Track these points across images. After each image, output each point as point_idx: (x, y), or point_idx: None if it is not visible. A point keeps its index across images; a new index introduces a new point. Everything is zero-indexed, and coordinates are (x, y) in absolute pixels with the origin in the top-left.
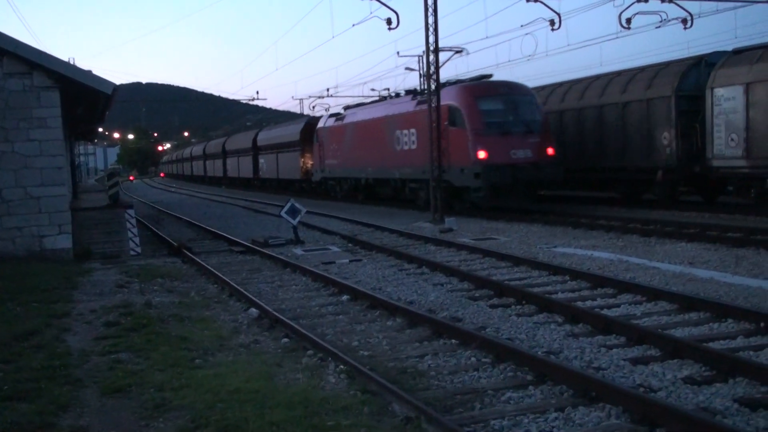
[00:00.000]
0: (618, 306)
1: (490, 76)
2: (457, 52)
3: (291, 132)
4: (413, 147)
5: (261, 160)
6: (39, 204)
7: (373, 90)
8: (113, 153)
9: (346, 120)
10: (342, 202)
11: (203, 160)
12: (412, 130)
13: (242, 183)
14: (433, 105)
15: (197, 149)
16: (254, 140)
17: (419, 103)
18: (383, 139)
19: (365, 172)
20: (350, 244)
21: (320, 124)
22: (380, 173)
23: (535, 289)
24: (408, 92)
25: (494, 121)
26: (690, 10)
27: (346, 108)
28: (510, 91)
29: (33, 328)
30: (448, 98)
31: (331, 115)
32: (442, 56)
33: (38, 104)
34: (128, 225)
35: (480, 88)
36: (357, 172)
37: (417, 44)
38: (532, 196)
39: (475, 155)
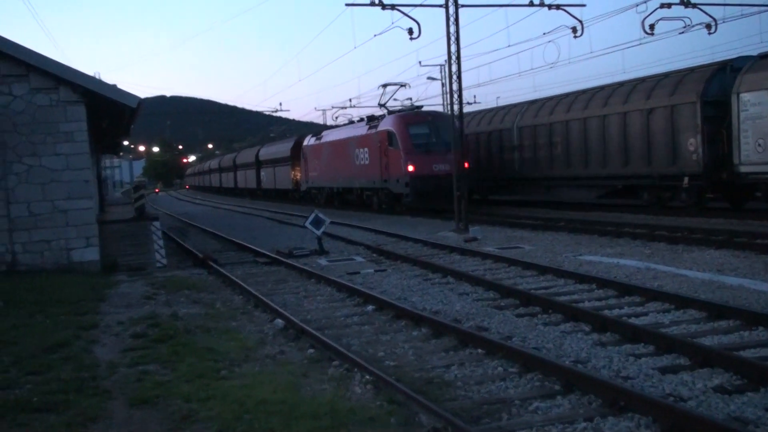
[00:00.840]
0: (646, 314)
1: (421, 107)
2: (401, 86)
3: (284, 149)
4: (366, 163)
5: (262, 173)
6: (66, 217)
7: (395, 100)
8: (139, 166)
9: (323, 140)
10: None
11: (219, 173)
12: (366, 149)
13: (248, 193)
14: (456, 111)
15: (214, 163)
16: (257, 155)
17: (370, 127)
18: (348, 157)
19: (337, 183)
20: (375, 254)
21: (305, 143)
22: (346, 183)
23: (562, 298)
24: (363, 119)
25: (420, 143)
26: (714, 15)
27: (324, 131)
28: (434, 118)
29: (62, 340)
30: (386, 125)
31: (313, 136)
32: (390, 89)
33: (65, 118)
34: (154, 237)
35: (410, 116)
36: (331, 182)
37: (439, 53)
38: (451, 201)
39: (406, 169)
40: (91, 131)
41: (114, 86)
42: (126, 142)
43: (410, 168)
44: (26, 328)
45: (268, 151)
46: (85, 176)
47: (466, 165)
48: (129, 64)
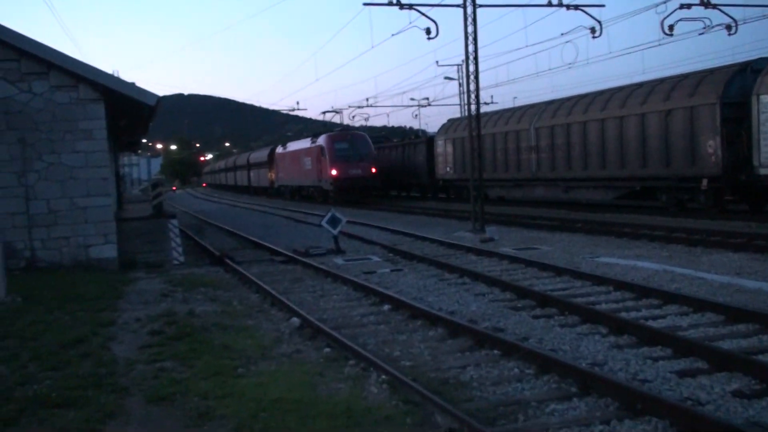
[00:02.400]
0: (663, 317)
1: (348, 128)
2: (336, 112)
3: (263, 155)
4: (310, 168)
5: (251, 173)
6: (85, 214)
7: (412, 99)
8: (156, 163)
9: (287, 150)
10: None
11: (225, 172)
12: (309, 158)
13: (242, 190)
14: (473, 111)
15: (221, 163)
16: (248, 159)
17: (312, 142)
18: (300, 163)
19: (294, 182)
20: (391, 254)
21: (277, 151)
22: (300, 183)
23: (578, 300)
24: (309, 135)
25: (342, 155)
26: (734, 16)
27: (288, 142)
28: (353, 137)
29: (80, 336)
30: (320, 142)
31: (281, 146)
32: (347, 113)
33: (84, 116)
34: (171, 235)
35: (336, 135)
36: (291, 182)
37: (456, 53)
38: (364, 195)
39: (330, 173)
40: (110, 129)
41: (133, 84)
42: (144, 140)
43: (334, 172)
44: (45, 324)
45: (254, 156)
46: (104, 174)
47: (374, 170)
48: (147, 62)
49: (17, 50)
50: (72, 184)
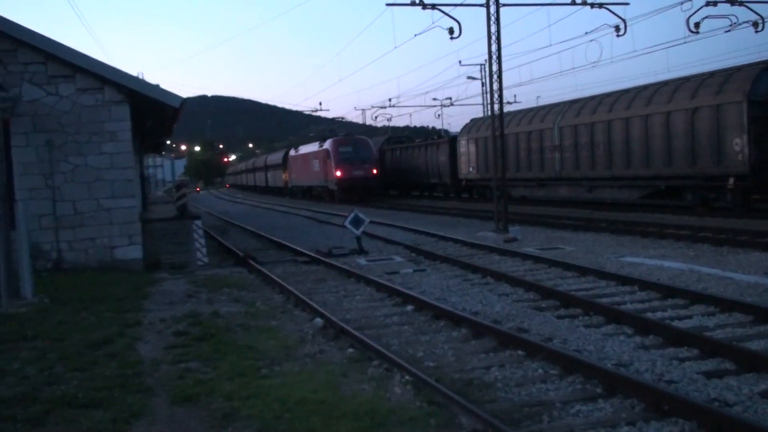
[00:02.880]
0: (690, 317)
1: (351, 133)
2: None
3: (278, 157)
4: (318, 170)
5: (268, 174)
6: (110, 215)
7: (434, 99)
8: (180, 165)
9: (298, 153)
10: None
11: (245, 173)
12: (317, 161)
13: (260, 190)
14: (496, 110)
15: (242, 165)
16: (265, 161)
17: (319, 146)
18: (310, 165)
19: (305, 183)
20: (414, 254)
21: (290, 154)
22: (309, 183)
23: (603, 300)
24: (317, 139)
25: (346, 157)
26: (761, 13)
27: (299, 146)
28: (355, 141)
29: (106, 336)
30: (326, 146)
31: (294, 149)
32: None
33: (109, 118)
34: (195, 236)
35: (340, 140)
36: (302, 182)
37: (479, 53)
38: (366, 194)
39: (335, 174)
40: (135, 130)
41: (157, 86)
42: (168, 141)
43: (338, 174)
44: (71, 325)
45: (270, 159)
46: (129, 175)
47: (375, 171)
48: (171, 65)
49: (44, 53)
50: (98, 186)
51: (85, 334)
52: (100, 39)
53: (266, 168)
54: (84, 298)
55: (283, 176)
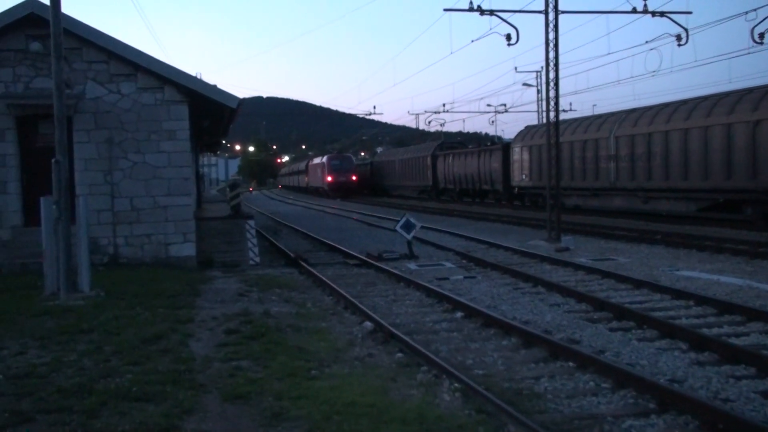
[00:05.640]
0: (747, 334)
1: (344, 150)
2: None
3: (302, 165)
4: (320, 175)
5: (300, 177)
6: (166, 213)
7: (489, 105)
8: (234, 164)
9: (312, 162)
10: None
11: (290, 175)
12: (318, 170)
13: (302, 190)
14: (551, 118)
15: (287, 169)
16: (307, 165)
17: (320, 160)
18: (316, 173)
19: (314, 184)
20: (464, 261)
21: (311, 163)
22: (316, 185)
23: (657, 314)
24: (324, 155)
25: (335, 168)
26: None
27: (312, 159)
28: (342, 157)
29: (159, 332)
30: (322, 160)
31: (311, 160)
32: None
33: (168, 117)
34: (248, 235)
35: (333, 156)
36: (314, 184)
37: (536, 60)
38: (348, 193)
39: (327, 179)
40: (193, 130)
41: (215, 86)
42: (223, 141)
43: (329, 179)
44: (126, 319)
45: (301, 165)
46: (186, 174)
47: (354, 178)
48: (228, 66)
49: (107, 52)
50: (155, 183)
51: (139, 329)
52: (160, 38)
53: (306, 171)
54: (138, 294)
55: (305, 179)
